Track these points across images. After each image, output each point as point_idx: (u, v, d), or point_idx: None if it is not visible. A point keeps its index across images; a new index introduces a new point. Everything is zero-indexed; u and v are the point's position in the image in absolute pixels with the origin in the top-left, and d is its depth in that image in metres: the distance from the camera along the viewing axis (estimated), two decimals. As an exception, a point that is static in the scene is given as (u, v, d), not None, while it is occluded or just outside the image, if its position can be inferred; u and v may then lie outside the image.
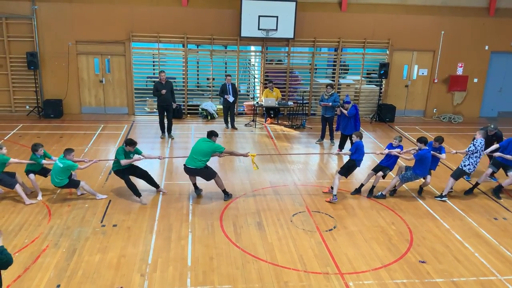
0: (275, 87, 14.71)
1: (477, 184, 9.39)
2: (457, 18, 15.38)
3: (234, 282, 6.15)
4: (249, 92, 17.05)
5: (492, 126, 9.87)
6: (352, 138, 9.03)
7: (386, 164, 9.09)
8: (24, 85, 14.44)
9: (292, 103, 14.79)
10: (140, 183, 8.81)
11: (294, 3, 14.19)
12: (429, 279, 6.39)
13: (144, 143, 11.87)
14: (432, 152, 8.81)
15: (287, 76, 15.53)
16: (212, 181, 8.67)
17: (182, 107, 15.11)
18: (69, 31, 14.13)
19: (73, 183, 8.36)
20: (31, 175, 8.52)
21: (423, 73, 16.04)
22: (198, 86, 17.53)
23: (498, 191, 9.33)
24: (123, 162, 8.30)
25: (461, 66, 15.94)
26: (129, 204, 8.41)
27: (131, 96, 15.11)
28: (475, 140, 8.91)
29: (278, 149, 12.09)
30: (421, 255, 7.00)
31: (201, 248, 6.94)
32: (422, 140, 8.64)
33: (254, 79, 16.53)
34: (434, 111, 16.34)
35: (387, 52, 15.56)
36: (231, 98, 13.61)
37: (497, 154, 9.19)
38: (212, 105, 15.17)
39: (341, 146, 11.63)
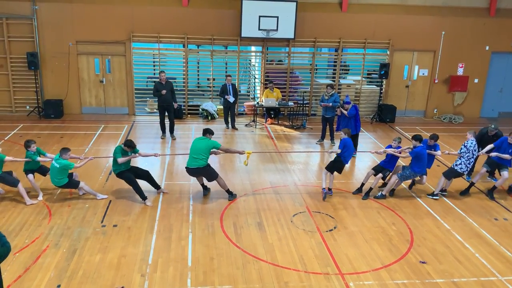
0: (276, 87, 14.71)
1: (472, 184, 9.39)
2: (458, 19, 15.38)
3: (234, 283, 6.14)
4: (249, 92, 17.05)
5: (493, 126, 9.86)
6: (340, 135, 9.02)
7: (387, 166, 9.10)
8: (25, 85, 14.44)
9: (292, 103, 14.78)
10: (140, 183, 8.78)
11: (295, 3, 14.19)
12: (430, 280, 6.38)
13: (145, 143, 11.87)
14: (427, 150, 8.85)
15: (287, 76, 15.53)
16: (215, 182, 8.68)
17: (182, 107, 15.11)
18: (69, 31, 14.14)
19: (73, 183, 8.36)
20: (30, 175, 8.51)
21: (423, 74, 16.04)
22: (198, 87, 17.54)
23: (492, 192, 9.33)
24: (120, 160, 8.29)
25: (461, 67, 15.94)
26: (129, 204, 8.41)
27: (132, 96, 15.11)
28: (466, 141, 8.93)
29: (278, 149, 12.09)
30: (421, 256, 7.00)
31: (201, 248, 6.94)
32: (416, 137, 8.70)
33: (254, 80, 16.53)
34: (435, 112, 16.34)
35: (388, 52, 15.55)
36: (231, 99, 13.61)
37: (494, 154, 9.22)
38: (213, 106, 15.17)
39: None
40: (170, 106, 12.41)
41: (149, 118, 14.92)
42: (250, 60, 16.81)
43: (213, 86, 15.52)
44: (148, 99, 15.68)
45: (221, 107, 14.69)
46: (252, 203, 8.65)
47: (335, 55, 15.79)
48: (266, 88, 14.81)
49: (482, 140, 9.86)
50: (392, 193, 9.19)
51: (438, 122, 15.91)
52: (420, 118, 16.29)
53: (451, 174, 9.12)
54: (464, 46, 15.68)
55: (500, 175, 9.26)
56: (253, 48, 16.30)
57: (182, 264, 6.53)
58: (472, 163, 9.05)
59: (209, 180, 8.71)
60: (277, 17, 14.18)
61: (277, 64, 16.10)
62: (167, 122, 12.69)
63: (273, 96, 14.30)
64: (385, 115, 15.39)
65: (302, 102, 14.77)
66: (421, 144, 8.73)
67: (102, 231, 7.38)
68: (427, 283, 6.31)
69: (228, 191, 8.77)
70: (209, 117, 14.95)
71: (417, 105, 16.40)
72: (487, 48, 15.83)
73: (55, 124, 13.69)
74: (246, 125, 14.38)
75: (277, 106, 14.37)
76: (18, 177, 8.46)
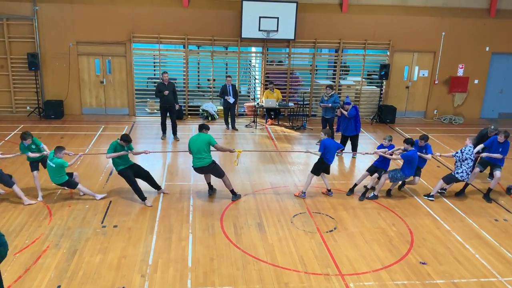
0: (276, 88, 14.71)
1: (467, 185, 9.38)
2: (458, 19, 15.38)
3: (234, 283, 6.15)
4: (249, 93, 17.06)
5: (493, 127, 9.87)
6: (320, 135, 9.00)
7: (380, 166, 9.10)
8: (25, 85, 14.45)
9: (292, 104, 14.80)
10: (140, 183, 8.79)
11: (295, 4, 14.20)
12: (430, 281, 6.38)
13: (145, 143, 11.87)
14: (418, 153, 8.87)
15: (287, 77, 15.54)
16: (220, 181, 8.72)
17: (183, 108, 15.12)
18: (70, 32, 14.15)
19: (72, 183, 8.38)
20: (35, 172, 8.49)
21: (423, 74, 16.04)
22: (198, 87, 17.56)
23: (488, 194, 9.31)
24: (108, 155, 8.28)
25: (461, 67, 15.95)
26: (129, 205, 8.42)
27: (132, 97, 15.12)
28: (464, 147, 8.89)
29: (278, 150, 12.09)
30: (421, 256, 7.00)
31: (201, 249, 6.95)
32: (408, 141, 8.73)
33: (254, 80, 16.54)
34: (435, 112, 16.35)
35: (388, 53, 15.57)
36: (231, 99, 13.62)
37: (485, 154, 9.26)
38: (213, 106, 15.18)
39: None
40: (172, 107, 12.41)
41: (149, 118, 14.93)
42: (251, 61, 16.82)
43: (214, 87, 15.53)
44: (148, 99, 15.69)
45: (222, 107, 14.70)
46: (252, 203, 8.66)
47: (335, 56, 15.79)
48: (266, 88, 14.82)
49: (482, 141, 9.84)
50: (389, 193, 9.20)
51: (438, 123, 15.92)
52: (420, 119, 16.30)
53: (451, 180, 9.12)
54: (464, 47, 15.69)
55: (492, 174, 9.30)
56: (253, 49, 16.31)
57: (182, 264, 6.53)
58: (472, 167, 9.04)
59: (217, 177, 8.72)
60: (277, 18, 14.19)
61: (277, 65, 16.11)
62: (168, 123, 12.69)
63: (273, 97, 14.31)
64: (385, 116, 15.39)
65: (302, 103, 14.78)
66: (413, 148, 8.77)
67: (103, 231, 7.39)
68: (427, 284, 6.31)
69: (232, 191, 8.79)
70: (209, 118, 14.96)
71: (417, 106, 16.41)
72: (487, 49, 15.84)
73: (55, 124, 13.70)
74: (246, 125, 14.39)
75: (277, 106, 14.38)
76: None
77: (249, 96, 16.93)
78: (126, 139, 8.45)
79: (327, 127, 9.09)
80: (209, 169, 8.59)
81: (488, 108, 16.71)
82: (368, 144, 12.71)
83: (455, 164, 9.04)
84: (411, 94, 16.26)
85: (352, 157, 11.72)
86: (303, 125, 14.46)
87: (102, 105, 15.10)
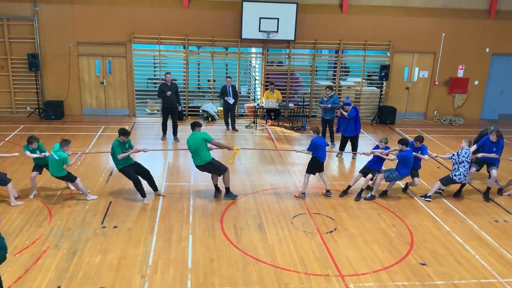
0: (276, 89, 14.72)
1: (464, 185, 9.38)
2: (458, 20, 15.39)
3: (234, 284, 6.14)
4: (249, 93, 17.07)
5: (493, 128, 9.86)
6: (309, 134, 8.99)
7: (374, 167, 9.11)
8: (25, 86, 14.46)
9: (292, 105, 14.80)
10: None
11: (295, 5, 14.20)
12: (430, 282, 6.38)
13: (145, 144, 11.83)
14: (414, 153, 8.91)
15: (287, 78, 15.55)
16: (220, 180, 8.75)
17: (183, 108, 15.11)
18: (70, 32, 14.15)
19: (71, 177, 8.39)
20: (33, 173, 8.48)
21: (423, 75, 16.05)
22: (199, 88, 17.57)
23: (487, 194, 9.33)
24: (120, 156, 8.30)
25: (462, 68, 15.95)
26: (129, 205, 8.42)
27: (132, 97, 15.13)
28: (460, 150, 8.89)
29: (278, 150, 12.08)
30: (421, 257, 7.00)
31: (201, 250, 6.94)
32: (403, 142, 8.77)
33: (254, 81, 16.55)
34: (435, 113, 16.35)
35: (388, 54, 15.57)
36: (231, 100, 13.62)
37: (480, 154, 9.30)
38: (213, 107, 15.18)
39: (341, 148, 11.63)
40: (174, 108, 12.40)
41: (149, 119, 14.93)
42: (251, 62, 16.83)
43: (214, 88, 15.54)
44: (148, 100, 15.70)
45: (222, 108, 14.70)
46: (252, 204, 8.66)
47: (335, 57, 15.80)
48: (266, 89, 14.83)
49: None
50: (386, 193, 9.21)
51: (438, 124, 15.92)
52: (420, 120, 16.30)
53: (448, 182, 9.14)
54: (464, 48, 15.70)
55: (489, 173, 9.33)
56: (253, 50, 16.32)
57: (182, 265, 6.53)
58: (467, 170, 9.06)
59: (219, 174, 8.73)
60: (278, 18, 14.20)
61: (277, 65, 16.12)
62: (168, 123, 12.69)
63: (274, 98, 14.31)
64: (385, 116, 15.40)
65: (302, 103, 14.78)
66: (408, 148, 8.81)
67: (102, 232, 7.38)
68: (427, 285, 6.31)
69: (227, 189, 8.79)
70: (210, 119, 14.96)
71: (417, 107, 16.41)
72: (487, 50, 15.85)
73: (55, 125, 13.70)
74: (246, 126, 14.40)
75: (277, 107, 14.38)
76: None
77: (249, 97, 16.94)
78: (124, 132, 8.47)
79: (316, 127, 9.11)
80: (209, 167, 8.60)
81: (488, 109, 16.72)
82: (368, 145, 12.69)
83: (452, 166, 9.05)
84: (411, 95, 16.26)
85: (352, 157, 11.72)
86: (303, 125, 14.46)
87: (102, 105, 15.11)
